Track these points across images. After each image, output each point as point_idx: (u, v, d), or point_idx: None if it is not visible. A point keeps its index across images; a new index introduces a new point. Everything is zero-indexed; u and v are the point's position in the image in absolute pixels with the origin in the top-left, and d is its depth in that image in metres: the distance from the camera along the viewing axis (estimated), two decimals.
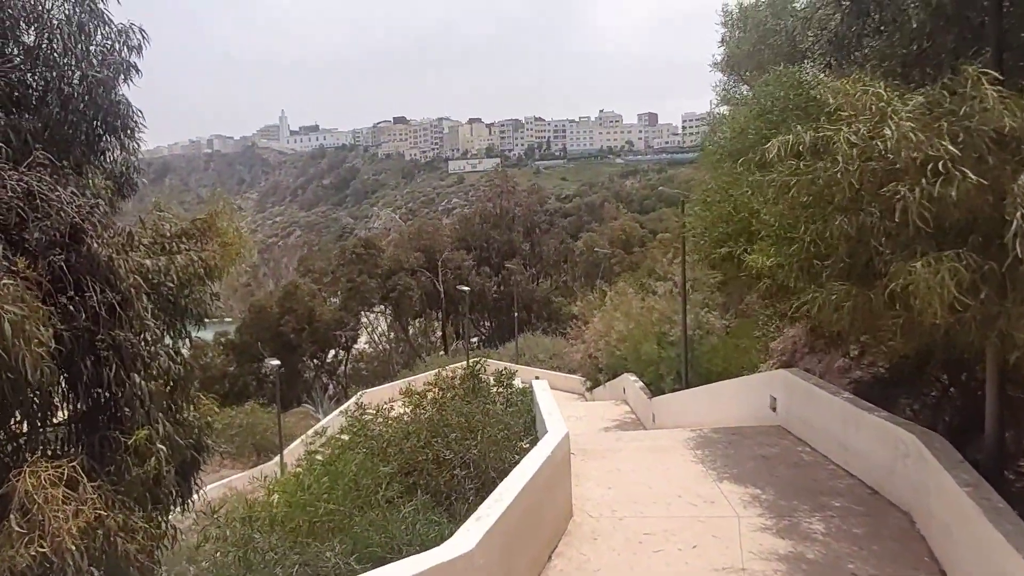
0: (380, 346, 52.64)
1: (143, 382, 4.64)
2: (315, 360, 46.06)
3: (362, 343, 52.29)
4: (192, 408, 6.04)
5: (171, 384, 5.33)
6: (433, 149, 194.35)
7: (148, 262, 5.46)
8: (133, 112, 6.65)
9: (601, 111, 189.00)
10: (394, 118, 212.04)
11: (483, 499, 8.08)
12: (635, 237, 64.72)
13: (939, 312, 4.50)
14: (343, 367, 49.12)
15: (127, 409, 4.54)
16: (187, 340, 6.08)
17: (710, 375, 16.37)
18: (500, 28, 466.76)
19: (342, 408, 16.05)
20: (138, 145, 8.91)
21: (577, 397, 27.75)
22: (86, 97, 5.99)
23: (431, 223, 57.69)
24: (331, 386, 48.34)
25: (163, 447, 4.70)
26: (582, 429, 14.16)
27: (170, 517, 7.57)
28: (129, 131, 6.52)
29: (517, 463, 8.29)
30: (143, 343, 4.81)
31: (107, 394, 4.71)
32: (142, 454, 4.59)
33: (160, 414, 4.92)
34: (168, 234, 6.09)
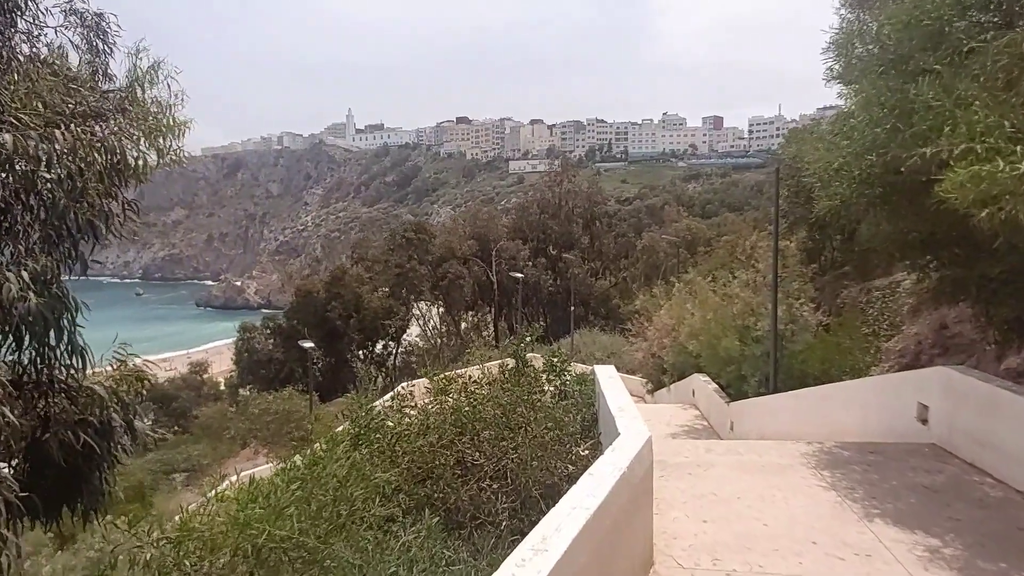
0: (432, 340, 51.02)
1: None
2: (363, 350, 44.70)
3: (414, 335, 50.82)
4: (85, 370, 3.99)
5: (19, 323, 3.32)
6: (494, 149, 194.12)
7: (8, 137, 3.46)
8: None
9: (664, 114, 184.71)
10: (457, 118, 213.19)
11: (520, 525, 5.78)
12: (700, 238, 61.33)
13: None
14: (392, 359, 47.65)
15: None
16: (78, 265, 4.08)
17: (805, 378, 13.60)
18: (564, 33, 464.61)
19: (382, 400, 14.11)
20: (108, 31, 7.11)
21: (637, 400, 25.17)
22: None
23: (486, 210, 55.52)
24: (380, 378, 47.01)
25: None
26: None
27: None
28: None
29: (571, 476, 5.96)
30: None
31: None
32: None
33: None
34: (67, 111, 4.07)
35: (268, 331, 41.49)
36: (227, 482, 6.93)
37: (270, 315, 42.47)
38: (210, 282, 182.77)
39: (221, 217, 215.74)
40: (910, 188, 5.95)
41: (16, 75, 5.64)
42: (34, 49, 6.63)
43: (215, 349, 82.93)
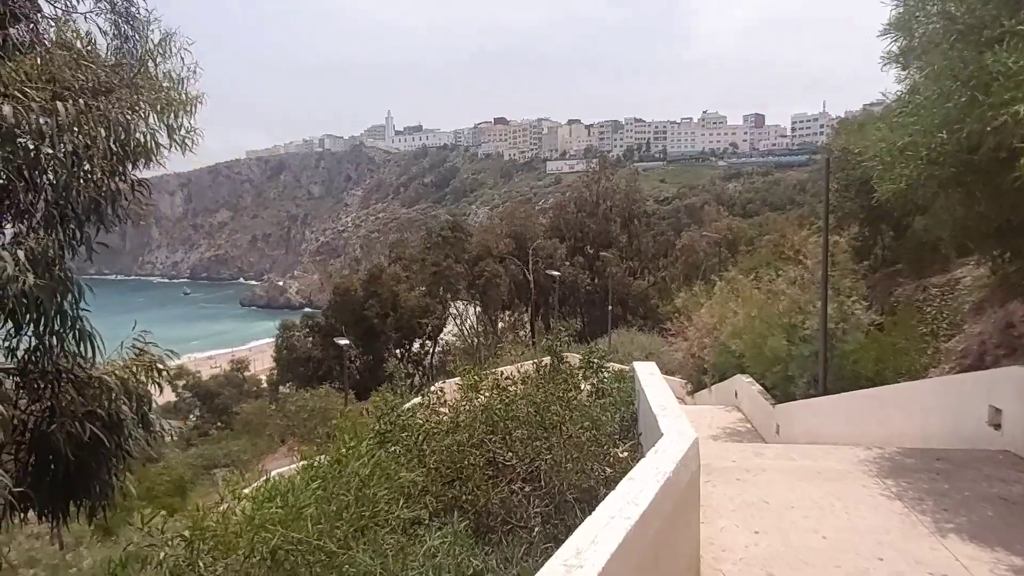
0: (469, 339, 50.94)
1: None
2: (400, 349, 44.84)
3: (450, 335, 50.82)
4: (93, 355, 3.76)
5: (14, 306, 3.10)
6: (532, 149, 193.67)
7: (8, 109, 3.26)
8: None
9: (704, 112, 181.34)
10: (494, 119, 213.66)
11: (553, 531, 5.41)
12: (742, 237, 59.85)
13: None
14: (429, 358, 47.71)
15: None
16: (82, 246, 3.87)
17: (857, 380, 12.87)
18: (601, 34, 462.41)
19: (415, 400, 13.80)
20: None
21: (677, 401, 24.50)
22: None
23: (523, 209, 55.15)
24: (416, 376, 47.09)
25: None
26: None
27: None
28: None
29: (609, 480, 5.56)
30: None
31: None
32: None
33: None
34: (76, 86, 3.87)
35: (307, 329, 41.96)
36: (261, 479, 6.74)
37: (309, 314, 42.88)
38: (254, 282, 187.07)
39: (264, 218, 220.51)
40: (986, 167, 5.39)
41: (39, 60, 5.52)
42: (62, 36, 6.53)
43: (258, 347, 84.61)
